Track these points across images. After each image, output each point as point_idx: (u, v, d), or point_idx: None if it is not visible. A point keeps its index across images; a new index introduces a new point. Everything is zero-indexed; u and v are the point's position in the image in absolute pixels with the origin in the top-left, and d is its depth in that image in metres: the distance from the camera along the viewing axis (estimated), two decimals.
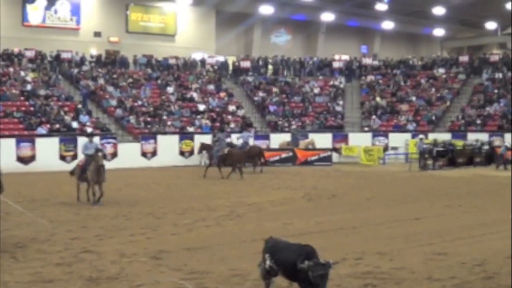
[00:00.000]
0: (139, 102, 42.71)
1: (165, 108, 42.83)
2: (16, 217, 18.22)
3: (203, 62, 50.05)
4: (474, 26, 66.00)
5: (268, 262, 9.34)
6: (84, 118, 39.27)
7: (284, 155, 38.86)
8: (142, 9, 53.78)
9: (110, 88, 43.40)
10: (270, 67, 51.16)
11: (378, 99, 46.37)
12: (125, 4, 52.70)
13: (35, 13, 49.18)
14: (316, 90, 48.10)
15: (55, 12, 49.89)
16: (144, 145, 38.45)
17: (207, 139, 37.03)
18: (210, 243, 14.52)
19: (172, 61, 48.48)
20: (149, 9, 54.10)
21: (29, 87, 40.97)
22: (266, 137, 41.67)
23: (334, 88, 48.15)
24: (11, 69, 42.42)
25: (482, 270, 11.84)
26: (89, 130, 38.06)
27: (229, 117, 43.68)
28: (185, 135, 39.79)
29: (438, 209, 19.89)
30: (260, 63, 50.70)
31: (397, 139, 41.30)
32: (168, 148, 38.27)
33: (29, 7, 48.89)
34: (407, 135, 41.61)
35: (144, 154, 38.31)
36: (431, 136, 39.72)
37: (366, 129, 43.74)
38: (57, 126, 37.91)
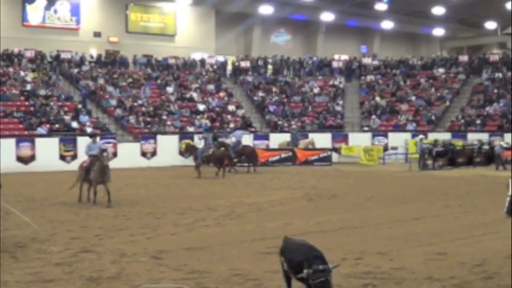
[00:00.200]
0: (139, 102, 42.74)
1: (165, 108, 42.85)
2: (16, 217, 18.21)
3: (202, 62, 50.07)
4: (474, 26, 66.00)
5: (285, 265, 9.26)
6: (84, 118, 39.30)
7: (283, 155, 38.85)
8: (142, 9, 53.77)
9: (110, 88, 43.42)
10: (269, 67, 51.17)
11: (377, 99, 46.38)
12: (124, 4, 52.69)
13: (35, 13, 49.17)
14: (316, 90, 48.11)
15: (55, 12, 49.88)
16: (144, 145, 38.47)
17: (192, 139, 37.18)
18: (210, 243, 14.52)
19: (171, 61, 48.50)
20: (149, 9, 54.09)
21: (29, 87, 40.99)
22: (266, 137, 41.67)
23: (333, 88, 48.16)
24: (11, 69, 42.45)
25: (482, 270, 11.83)
26: (89, 130, 38.09)
27: (229, 117, 43.70)
28: (185, 135, 39.79)
29: (438, 209, 19.88)
30: (260, 63, 50.69)
31: (397, 139, 41.31)
32: (168, 148, 38.29)
33: (29, 7, 48.88)
34: (407, 135, 41.62)
35: (144, 154, 38.33)
36: (431, 136, 39.71)
37: (366, 129, 43.77)
38: (57, 126, 37.94)
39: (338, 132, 42.81)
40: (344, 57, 54.03)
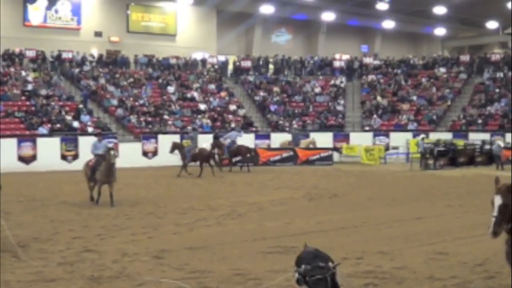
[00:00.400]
0: (140, 102, 42.76)
1: (166, 108, 42.87)
2: (17, 217, 18.25)
3: (204, 61, 50.09)
4: (475, 26, 65.96)
5: (296, 275, 8.59)
6: (85, 117, 39.32)
7: (285, 154, 38.85)
8: (143, 9, 53.79)
9: (111, 88, 43.45)
10: (271, 66, 51.17)
11: (379, 98, 46.37)
12: (125, 4, 52.70)
13: (36, 13, 49.18)
14: (317, 90, 48.11)
15: (56, 12, 49.89)
16: (145, 145, 38.50)
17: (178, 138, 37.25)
18: (211, 242, 14.53)
19: (173, 61, 48.53)
20: (150, 9, 54.10)
21: (30, 87, 41.02)
22: (267, 137, 41.69)
23: (335, 88, 48.15)
24: (12, 69, 42.49)
25: (483, 270, 11.83)
26: (90, 129, 38.13)
27: (230, 116, 43.71)
28: (186, 135, 39.77)
29: (439, 209, 19.88)
30: (261, 62, 50.70)
31: (398, 139, 41.30)
32: (169, 147, 38.24)
33: (30, 7, 48.89)
34: (408, 135, 41.62)
35: (145, 154, 38.35)
36: (433, 136, 39.71)
37: (367, 128, 43.76)
38: (58, 125, 37.96)
39: (339, 132, 42.82)
40: (345, 56, 54.04)
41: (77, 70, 44.67)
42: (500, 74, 46.86)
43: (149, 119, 41.19)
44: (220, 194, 24.22)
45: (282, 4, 56.07)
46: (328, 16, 58.44)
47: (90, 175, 21.61)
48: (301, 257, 8.48)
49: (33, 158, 35.60)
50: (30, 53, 44.37)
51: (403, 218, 18.12)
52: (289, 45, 60.53)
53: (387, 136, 41.90)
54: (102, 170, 21.06)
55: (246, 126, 42.98)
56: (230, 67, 51.16)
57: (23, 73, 42.52)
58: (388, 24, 61.72)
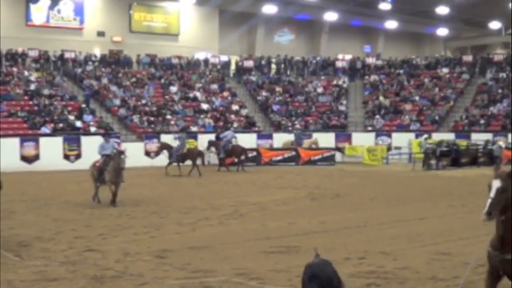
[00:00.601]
0: (143, 102, 42.79)
1: (169, 108, 42.90)
2: (20, 216, 18.28)
3: (206, 61, 50.12)
4: (478, 26, 65.97)
5: None
6: (87, 117, 39.35)
7: (287, 154, 38.86)
8: (146, 9, 53.85)
9: (114, 88, 43.49)
10: (273, 66, 51.18)
11: (381, 98, 46.36)
12: (128, 4, 52.77)
13: (38, 13, 49.27)
14: (320, 90, 48.11)
15: (59, 12, 49.96)
16: (148, 144, 38.53)
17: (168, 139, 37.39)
18: (213, 242, 14.52)
19: (175, 61, 48.56)
20: (153, 9, 54.16)
21: (33, 86, 41.06)
22: (270, 137, 41.71)
23: (337, 88, 48.15)
24: (15, 69, 42.55)
25: (486, 270, 11.81)
26: (92, 129, 38.19)
27: (232, 116, 43.73)
28: (188, 135, 39.79)
29: (441, 209, 19.86)
30: (263, 62, 50.70)
31: (401, 139, 41.26)
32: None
33: (33, 7, 48.97)
34: (411, 135, 41.59)
35: (147, 153, 38.37)
36: (435, 136, 39.68)
37: (369, 128, 43.74)
38: (61, 125, 38.01)
39: (342, 132, 42.82)
40: (348, 56, 54.08)
41: (79, 70, 44.72)
42: (502, 75, 46.83)
43: (152, 118, 41.22)
44: (223, 194, 24.22)
45: (285, 4, 56.10)
46: (331, 16, 58.47)
47: (97, 176, 21.45)
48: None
49: (35, 157, 35.64)
50: (33, 53, 44.41)
51: (405, 218, 18.10)
52: (292, 45, 60.57)
53: (390, 136, 41.89)
54: (110, 170, 20.91)
55: (249, 126, 43.03)
56: (233, 67, 51.19)
57: (26, 73, 42.57)
58: (391, 24, 61.74)
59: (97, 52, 48.37)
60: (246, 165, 36.64)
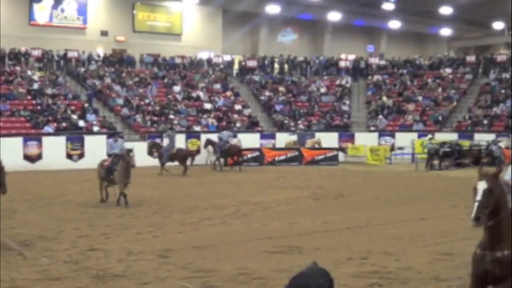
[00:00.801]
0: (146, 101, 42.80)
1: (172, 107, 42.91)
2: (22, 215, 18.31)
3: (209, 61, 50.13)
4: (481, 26, 65.84)
5: None
6: (90, 116, 39.37)
7: (290, 154, 38.84)
8: (149, 8, 53.85)
9: (117, 87, 43.51)
10: (276, 66, 51.18)
11: (384, 98, 46.32)
12: (131, 3, 52.77)
13: (42, 12, 49.28)
14: (323, 90, 48.09)
15: (62, 11, 49.97)
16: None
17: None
18: (216, 241, 14.54)
19: (178, 60, 48.57)
20: (156, 8, 54.16)
21: (36, 86, 41.10)
22: (272, 136, 41.71)
23: (340, 88, 48.12)
24: (18, 68, 42.58)
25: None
26: (95, 128, 38.22)
27: (235, 116, 43.72)
28: (191, 134, 39.84)
29: (444, 209, 19.84)
30: (267, 62, 50.70)
31: (404, 139, 41.19)
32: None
33: (36, 6, 48.98)
34: (414, 135, 41.52)
35: (150, 153, 38.31)
36: (438, 136, 39.63)
37: (372, 128, 43.71)
38: (64, 124, 38.03)
39: (345, 132, 42.78)
40: (351, 56, 54.00)
41: (83, 69, 44.76)
42: (506, 75, 46.71)
43: (155, 118, 41.23)
44: (225, 194, 24.23)
45: (288, 4, 56.06)
46: (334, 16, 58.44)
47: (104, 175, 21.23)
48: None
49: (38, 157, 35.65)
50: (36, 52, 44.43)
51: (408, 219, 18.10)
52: (295, 45, 60.53)
53: (393, 136, 41.84)
54: (120, 170, 20.69)
55: (252, 125, 43.04)
56: (236, 66, 51.20)
57: (29, 72, 42.61)
58: (394, 24, 61.69)
59: (100, 51, 48.40)
60: (249, 165, 36.71)
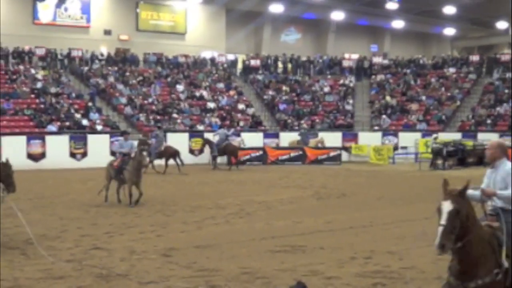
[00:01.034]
0: (149, 100, 42.82)
1: (175, 106, 42.92)
2: (25, 214, 18.28)
3: (213, 60, 50.14)
4: (485, 26, 65.80)
5: None
6: (94, 115, 39.39)
7: (293, 153, 38.83)
8: (152, 7, 53.90)
9: (120, 86, 43.54)
10: (280, 65, 51.17)
11: (388, 98, 46.30)
12: (135, 2, 52.84)
13: (45, 11, 49.35)
14: (326, 89, 48.08)
15: (66, 10, 50.05)
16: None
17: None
18: (219, 241, 14.53)
19: (182, 59, 48.59)
20: (159, 8, 54.20)
21: (39, 84, 41.14)
22: (276, 136, 41.71)
23: (344, 87, 48.11)
24: (21, 67, 42.65)
25: None
26: (99, 127, 38.23)
27: (239, 115, 43.72)
28: (194, 133, 39.85)
29: None
30: (270, 61, 50.69)
31: (407, 139, 41.17)
32: (177, 146, 38.19)
33: (40, 5, 49.07)
34: (417, 135, 41.50)
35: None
36: (441, 136, 39.58)
37: (376, 128, 43.69)
38: (67, 123, 38.05)
39: (348, 131, 42.76)
40: (355, 56, 54.06)
41: (86, 68, 44.80)
42: (509, 75, 46.63)
43: (158, 117, 41.24)
44: (229, 193, 24.22)
45: (292, 3, 56.07)
46: (338, 16, 58.43)
47: (114, 175, 20.99)
48: None
49: (42, 155, 35.67)
50: (40, 51, 44.49)
51: (411, 218, 18.06)
52: (298, 44, 60.55)
53: (396, 136, 41.82)
54: (130, 170, 20.47)
55: (255, 125, 43.04)
56: (239, 66, 51.21)
57: (33, 71, 42.66)
58: (398, 23, 61.67)
59: (104, 50, 48.45)
60: (252, 164, 36.71)
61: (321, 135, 40.97)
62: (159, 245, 14.05)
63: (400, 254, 13.11)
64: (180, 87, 45.34)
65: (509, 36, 63.73)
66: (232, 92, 46.40)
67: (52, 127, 37.38)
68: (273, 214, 18.88)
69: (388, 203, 21.52)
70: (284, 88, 47.63)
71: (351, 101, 46.72)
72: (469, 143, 38.06)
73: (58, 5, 49.72)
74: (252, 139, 39.50)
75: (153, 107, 42.18)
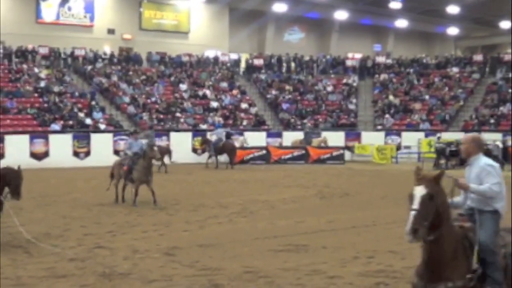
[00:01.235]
0: (152, 99, 42.85)
1: (178, 105, 42.94)
2: (28, 213, 18.33)
3: (216, 59, 50.15)
4: (488, 25, 65.70)
5: None
6: (97, 114, 39.43)
7: (296, 153, 38.82)
8: (156, 6, 53.90)
9: (123, 85, 43.56)
10: (283, 64, 51.16)
11: (391, 97, 46.28)
12: (138, 1, 52.86)
13: (49, 10, 49.38)
14: (329, 88, 48.08)
15: (69, 9, 50.08)
16: (157, 142, 38.47)
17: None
18: (222, 240, 14.53)
19: (185, 59, 48.61)
20: (163, 7, 54.20)
21: (43, 83, 41.19)
22: (279, 135, 41.72)
23: (347, 86, 48.10)
24: (25, 66, 42.69)
25: None
26: (102, 126, 38.27)
27: (242, 114, 43.73)
28: (198, 132, 39.87)
29: None
30: (273, 61, 50.69)
31: (410, 138, 41.17)
32: (180, 145, 38.32)
33: (43, 4, 49.09)
34: (420, 134, 41.50)
35: None
36: (444, 136, 39.57)
37: (379, 127, 43.69)
38: (71, 122, 38.11)
39: (351, 131, 42.77)
40: (358, 55, 54.03)
41: (89, 67, 44.83)
42: None
43: (161, 116, 41.27)
44: (231, 192, 24.22)
45: (295, 3, 56.04)
46: (341, 15, 58.39)
47: (125, 175, 20.68)
48: None
49: (45, 154, 35.73)
50: (43, 50, 44.54)
51: None
52: (302, 44, 60.52)
53: (399, 135, 41.82)
54: (139, 169, 20.33)
55: (258, 124, 43.05)
56: (243, 65, 51.23)
57: (36, 70, 42.71)
58: (401, 23, 61.60)
59: (107, 49, 48.50)
60: (255, 163, 36.72)
61: (324, 134, 40.96)
62: (162, 244, 14.05)
63: (402, 253, 13.09)
64: (183, 86, 45.37)
65: None
66: (235, 91, 46.41)
67: (56, 126, 37.42)
68: (276, 213, 18.88)
69: (391, 203, 21.46)
70: (287, 87, 47.63)
71: (354, 101, 46.73)
72: None
73: (62, 4, 49.75)
74: (255, 138, 39.51)
75: (156, 106, 42.21)
